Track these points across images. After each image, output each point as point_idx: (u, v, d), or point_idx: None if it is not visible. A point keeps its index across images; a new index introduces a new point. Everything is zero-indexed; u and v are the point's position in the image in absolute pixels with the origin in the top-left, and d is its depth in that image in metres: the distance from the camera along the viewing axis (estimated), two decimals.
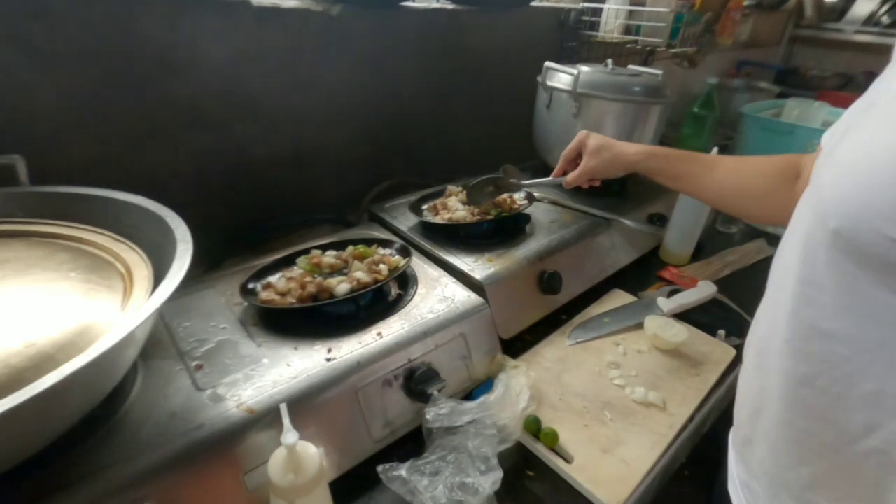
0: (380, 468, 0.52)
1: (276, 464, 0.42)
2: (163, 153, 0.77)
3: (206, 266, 0.84)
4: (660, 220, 1.02)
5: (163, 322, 0.60)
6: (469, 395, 0.65)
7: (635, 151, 0.71)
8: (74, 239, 0.54)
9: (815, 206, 0.37)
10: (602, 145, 0.73)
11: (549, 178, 0.79)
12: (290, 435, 0.41)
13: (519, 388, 0.61)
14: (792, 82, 2.43)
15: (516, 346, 0.74)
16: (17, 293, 0.43)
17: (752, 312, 0.86)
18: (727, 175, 0.66)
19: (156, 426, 0.47)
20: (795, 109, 1.62)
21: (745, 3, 1.46)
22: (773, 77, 2.44)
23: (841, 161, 0.35)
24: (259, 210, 0.93)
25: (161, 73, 0.72)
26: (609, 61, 1.00)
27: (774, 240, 1.12)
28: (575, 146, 0.76)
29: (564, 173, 0.77)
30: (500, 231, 0.83)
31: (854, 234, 0.32)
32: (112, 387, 0.44)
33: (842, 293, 0.35)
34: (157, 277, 0.50)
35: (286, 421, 0.42)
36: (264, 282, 0.66)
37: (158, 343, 0.57)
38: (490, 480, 0.50)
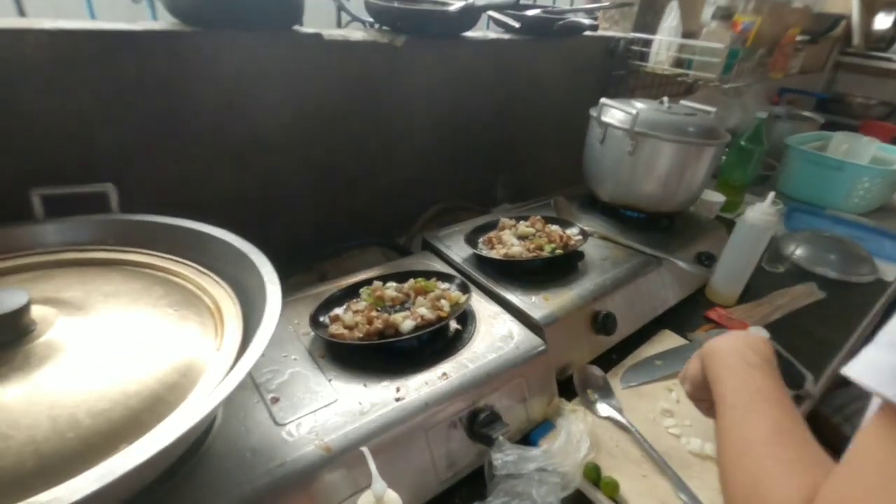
0: None
1: None
2: (231, 177, 0.80)
3: None
4: (708, 260, 1.01)
5: None
6: (526, 437, 0.66)
7: None
8: (164, 270, 0.57)
9: None
10: None
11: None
12: (378, 485, 0.42)
13: (579, 434, 0.61)
14: (835, 110, 2.39)
15: (568, 387, 0.74)
16: (125, 330, 0.45)
17: (803, 360, 0.86)
18: None
19: (238, 461, 0.49)
20: (843, 144, 1.60)
21: (799, 38, 1.44)
22: (814, 104, 2.40)
23: None
24: (315, 231, 0.96)
25: (237, 101, 0.75)
26: (665, 99, 1.01)
27: (824, 282, 1.11)
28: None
29: None
30: (555, 267, 0.84)
31: None
32: (207, 424, 0.46)
33: None
34: (246, 313, 0.52)
35: (373, 468, 0.44)
36: (332, 314, 0.67)
37: None
38: None
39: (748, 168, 1.42)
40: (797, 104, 2.21)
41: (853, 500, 0.31)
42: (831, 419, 1.19)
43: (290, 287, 0.86)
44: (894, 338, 0.33)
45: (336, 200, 0.96)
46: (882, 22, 2.32)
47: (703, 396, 0.56)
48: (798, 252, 1.18)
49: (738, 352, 0.51)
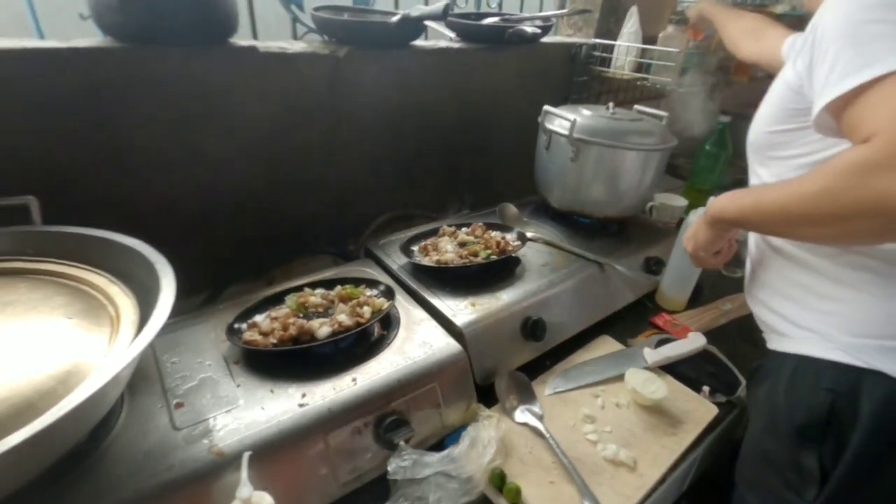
0: None
1: None
2: (170, 188, 0.82)
3: (208, 293, 0.89)
4: (656, 265, 1.01)
5: (154, 356, 0.64)
6: (441, 442, 0.67)
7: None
8: (75, 279, 0.59)
9: None
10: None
11: None
12: (244, 489, 0.43)
13: (487, 439, 0.62)
14: None
15: (493, 392, 0.75)
16: (13, 338, 0.47)
17: (743, 366, 0.86)
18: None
19: (131, 465, 0.50)
20: None
21: None
22: None
23: None
24: (262, 239, 0.97)
25: (171, 115, 0.77)
26: (610, 104, 1.01)
27: None
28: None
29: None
30: (489, 273, 0.85)
31: None
32: (90, 429, 0.48)
33: None
34: (143, 320, 0.53)
35: (244, 473, 0.45)
36: (251, 321, 0.69)
37: (146, 378, 0.61)
38: None
39: (715, 172, 1.42)
40: None
41: None
42: None
43: (231, 294, 0.88)
44: None
45: (282, 208, 0.97)
46: None
47: (715, 250, 0.72)
48: None
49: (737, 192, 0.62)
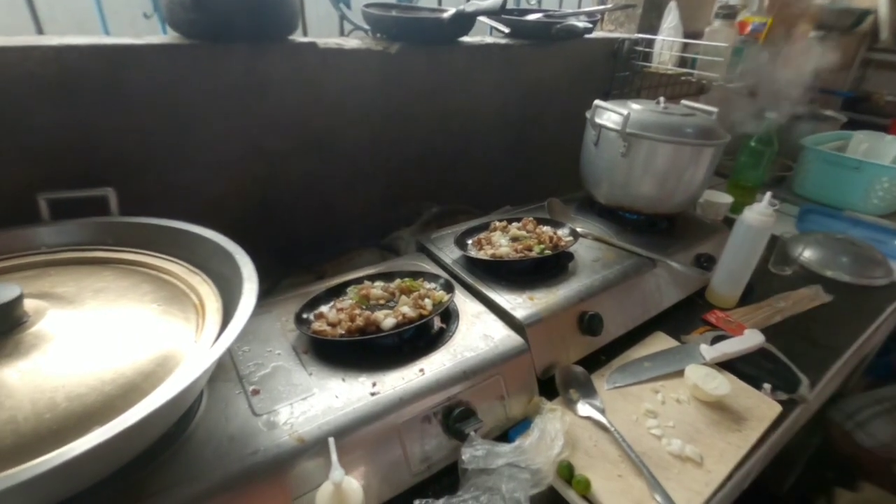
0: (416, 503, 0.54)
1: (322, 498, 0.45)
2: (231, 181, 0.84)
3: (266, 285, 0.90)
4: (707, 262, 1.00)
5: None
6: (505, 434, 0.67)
7: None
8: (155, 268, 0.61)
9: None
10: None
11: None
12: (336, 473, 0.44)
13: (554, 432, 0.62)
14: (862, 109, 2.31)
15: (553, 386, 0.75)
16: (110, 323, 0.49)
17: (802, 364, 0.84)
18: None
19: (217, 448, 0.51)
20: (863, 143, 1.54)
21: (812, 35, 1.40)
22: (840, 103, 2.32)
23: None
24: (315, 233, 0.99)
25: (235, 110, 0.79)
26: (661, 99, 1.00)
27: (832, 285, 1.07)
28: None
29: None
30: (543, 268, 0.85)
31: None
32: (183, 411, 0.49)
33: None
34: (225, 309, 0.55)
35: (334, 458, 0.46)
36: (317, 311, 0.70)
37: (222, 365, 0.62)
38: None
39: (760, 168, 1.40)
40: (822, 103, 2.14)
41: None
42: (843, 426, 1.15)
43: (286, 287, 0.90)
44: None
45: (334, 203, 0.99)
46: None
47: None
48: (806, 254, 1.14)
49: None
